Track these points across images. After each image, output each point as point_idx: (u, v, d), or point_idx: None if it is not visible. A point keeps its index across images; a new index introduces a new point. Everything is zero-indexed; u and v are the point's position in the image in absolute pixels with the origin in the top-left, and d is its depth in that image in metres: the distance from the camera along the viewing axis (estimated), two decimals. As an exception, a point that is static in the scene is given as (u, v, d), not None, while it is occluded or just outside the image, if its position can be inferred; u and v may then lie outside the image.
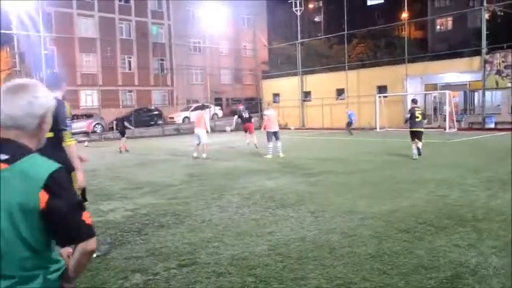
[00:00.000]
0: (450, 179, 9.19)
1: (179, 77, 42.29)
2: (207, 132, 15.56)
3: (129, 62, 39.69)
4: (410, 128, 13.02)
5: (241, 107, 21.79)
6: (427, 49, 47.21)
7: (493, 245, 4.77)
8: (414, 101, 14.01)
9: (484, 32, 26.95)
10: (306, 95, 37.43)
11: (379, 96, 29.96)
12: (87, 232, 1.61)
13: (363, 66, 35.74)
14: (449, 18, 49.58)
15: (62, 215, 1.54)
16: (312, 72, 37.72)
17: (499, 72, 26.43)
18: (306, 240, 5.20)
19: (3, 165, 1.53)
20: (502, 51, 26.50)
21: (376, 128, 28.70)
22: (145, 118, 34.65)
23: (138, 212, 7.08)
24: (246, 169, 11.91)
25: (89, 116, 32.38)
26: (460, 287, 3.73)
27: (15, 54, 33.92)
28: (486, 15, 28.39)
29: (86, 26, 37.31)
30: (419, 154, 12.83)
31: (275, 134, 14.85)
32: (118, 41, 38.58)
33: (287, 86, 38.67)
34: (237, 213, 6.74)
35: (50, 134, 3.90)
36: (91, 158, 15.46)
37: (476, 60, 27.57)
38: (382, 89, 31.28)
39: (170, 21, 42.12)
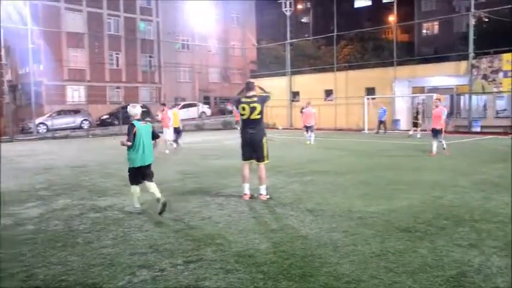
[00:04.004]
0: (442, 181, 9.32)
1: (167, 74, 42.08)
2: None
3: (117, 58, 39.40)
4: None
5: (229, 106, 22.37)
6: (413, 52, 47.75)
7: (493, 245, 4.86)
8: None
9: (472, 37, 27.37)
10: (295, 95, 37.52)
11: (367, 98, 30.19)
12: (158, 137, 7.11)
13: (351, 67, 35.92)
14: (436, 23, 50.18)
15: (154, 133, 6.96)
16: (301, 72, 37.83)
17: (485, 77, 26.86)
18: (308, 238, 5.23)
19: (144, 124, 6.85)
20: (489, 57, 26.94)
21: (364, 130, 28.93)
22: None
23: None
24: (237, 167, 11.86)
25: (76, 111, 32.07)
26: (466, 285, 3.79)
27: (0, 47, 33.38)
28: (473, 21, 28.81)
29: (74, 21, 36.92)
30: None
31: (308, 127, 19.68)
32: (106, 37, 38.27)
33: (276, 85, 38.58)
34: (236, 211, 6.74)
35: (259, 116, 7.71)
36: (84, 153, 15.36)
37: (463, 65, 27.97)
38: (370, 91, 31.51)
39: (159, 18, 41.89)
